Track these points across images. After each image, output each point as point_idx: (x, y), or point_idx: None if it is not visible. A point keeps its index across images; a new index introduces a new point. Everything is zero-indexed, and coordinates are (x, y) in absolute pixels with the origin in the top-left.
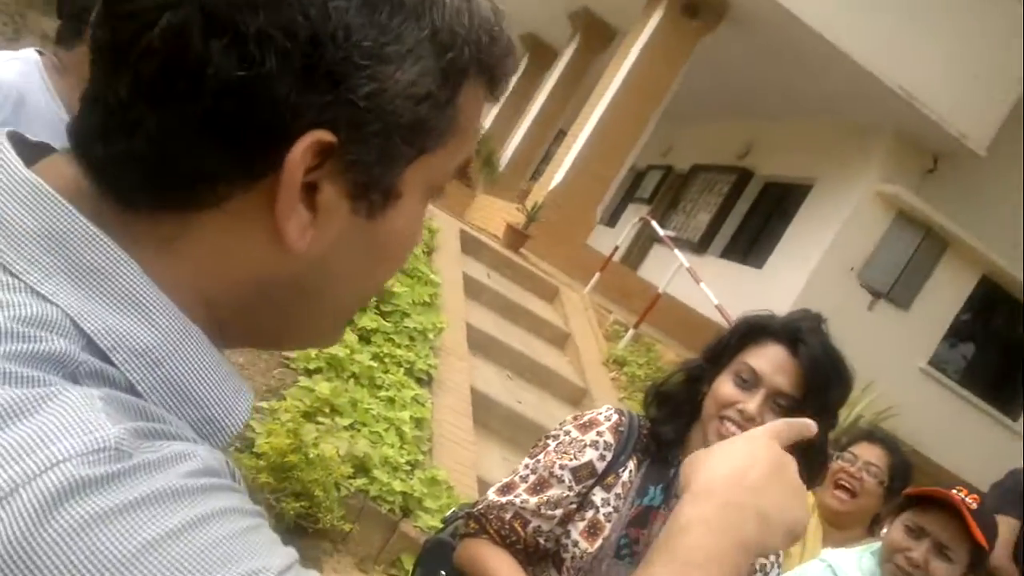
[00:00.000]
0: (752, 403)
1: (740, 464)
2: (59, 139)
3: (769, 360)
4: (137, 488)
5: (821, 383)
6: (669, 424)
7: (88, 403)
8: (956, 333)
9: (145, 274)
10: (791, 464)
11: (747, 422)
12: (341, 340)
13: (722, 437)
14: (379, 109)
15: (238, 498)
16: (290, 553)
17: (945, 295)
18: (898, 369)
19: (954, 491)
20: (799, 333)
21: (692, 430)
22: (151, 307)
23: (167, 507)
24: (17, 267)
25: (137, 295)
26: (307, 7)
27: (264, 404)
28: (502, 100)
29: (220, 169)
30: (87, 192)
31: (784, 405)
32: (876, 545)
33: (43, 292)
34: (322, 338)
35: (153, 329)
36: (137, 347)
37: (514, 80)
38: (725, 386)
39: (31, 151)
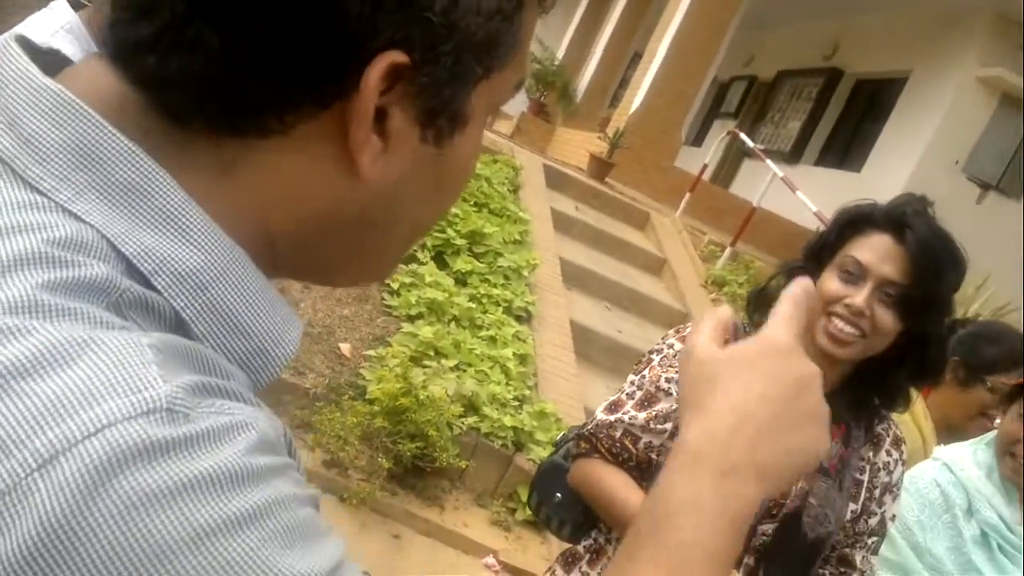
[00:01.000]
0: (860, 296)
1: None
2: None
3: (874, 250)
4: (195, 463)
5: (931, 268)
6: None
7: (137, 352)
8: None
9: (184, 191)
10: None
11: (856, 317)
12: (392, 273)
13: (831, 336)
14: (453, 26)
15: (295, 480)
16: (338, 545)
17: None
18: (1014, 263)
19: None
20: (904, 218)
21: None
22: (193, 227)
23: (227, 490)
24: (45, 184)
25: (178, 214)
26: None
27: (371, 352)
28: (573, 28)
29: (288, 94)
30: (132, 105)
31: (893, 295)
32: (990, 436)
33: (75, 211)
34: (376, 273)
35: (197, 250)
36: (181, 270)
37: (583, 5)
38: (830, 282)
39: (44, 58)
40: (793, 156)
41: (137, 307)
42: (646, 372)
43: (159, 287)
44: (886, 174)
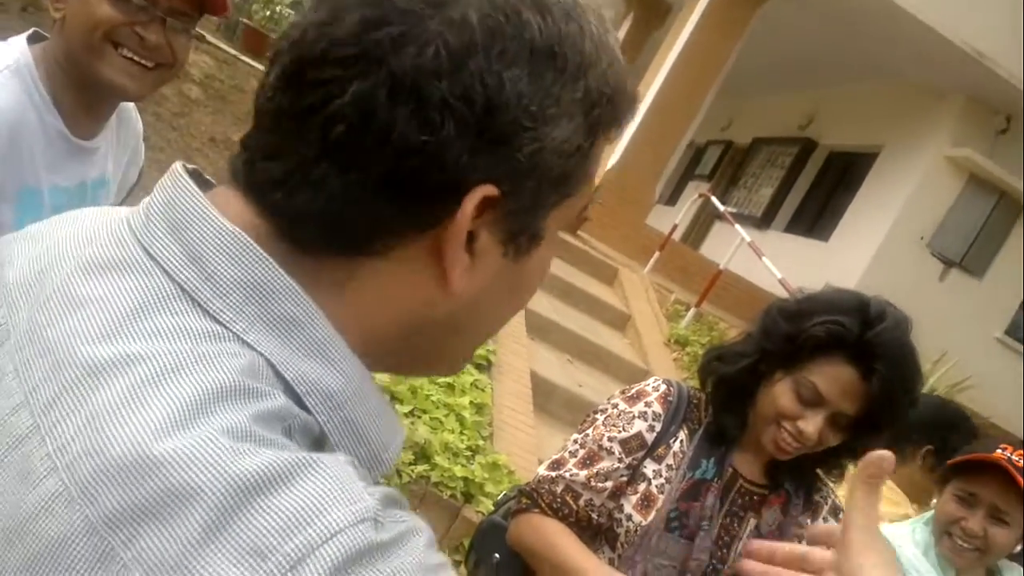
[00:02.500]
0: (812, 425)
1: None
2: (57, 156)
3: (837, 383)
4: (399, 559)
5: (889, 408)
6: (730, 412)
7: (345, 471)
8: None
9: (330, 323)
10: None
11: (803, 441)
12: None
13: (777, 446)
14: (537, 165)
15: (450, 567)
16: None
17: (1020, 261)
18: (973, 340)
19: (999, 451)
20: (874, 357)
21: (751, 407)
22: (337, 355)
23: None
24: (225, 316)
25: (325, 343)
26: (485, 76)
27: None
28: None
29: (394, 223)
30: (264, 234)
31: (843, 424)
32: (928, 515)
33: (249, 340)
34: (455, 367)
35: (339, 375)
36: (326, 391)
37: None
38: (785, 397)
39: (197, 182)
40: (764, 222)
41: (303, 432)
42: (590, 431)
43: (309, 405)
44: (853, 245)
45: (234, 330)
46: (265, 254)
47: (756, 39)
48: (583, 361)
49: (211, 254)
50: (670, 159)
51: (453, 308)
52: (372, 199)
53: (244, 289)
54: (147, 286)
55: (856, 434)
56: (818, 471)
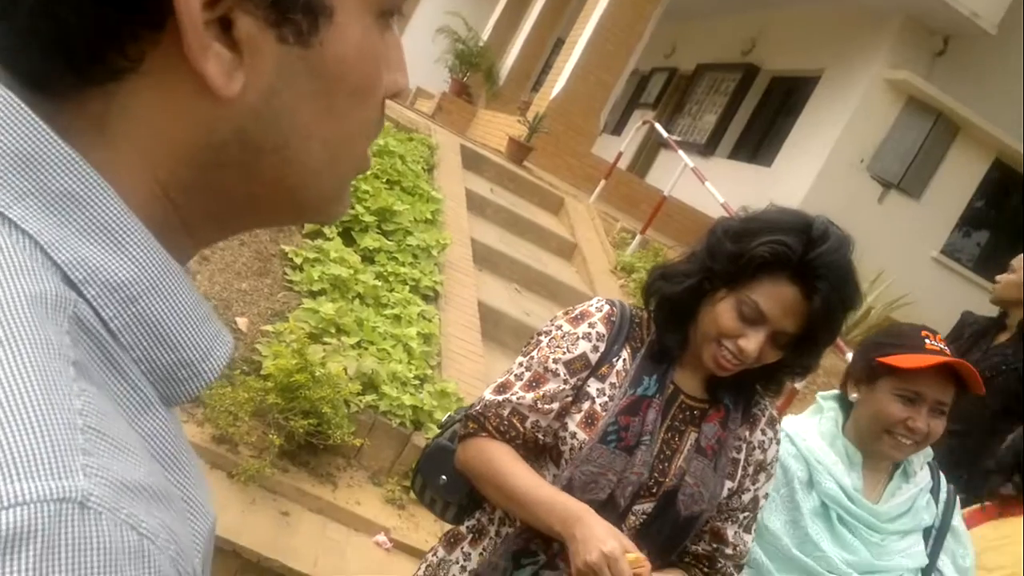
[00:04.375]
0: (753, 342)
1: None
2: None
3: (779, 302)
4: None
5: (828, 325)
6: (673, 331)
7: (63, 410)
8: (969, 220)
9: (122, 201)
10: None
11: (743, 359)
12: (346, 211)
13: (717, 363)
14: None
15: None
16: None
17: (957, 182)
18: (910, 259)
19: (927, 342)
20: (816, 277)
21: (692, 326)
22: (128, 238)
23: None
24: None
25: (113, 224)
26: None
27: (269, 327)
28: (499, 10)
29: (115, 23)
30: (13, 88)
31: (783, 342)
32: (828, 403)
33: (12, 216)
34: (322, 203)
35: (130, 262)
36: (112, 281)
37: None
38: (728, 315)
39: None
40: (708, 148)
41: (81, 326)
42: (535, 353)
43: (88, 296)
44: (795, 170)
45: None
46: (37, 119)
47: None
48: (530, 290)
49: None
50: (614, 87)
51: (240, 123)
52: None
53: (11, 159)
54: None
55: (795, 351)
56: (756, 386)
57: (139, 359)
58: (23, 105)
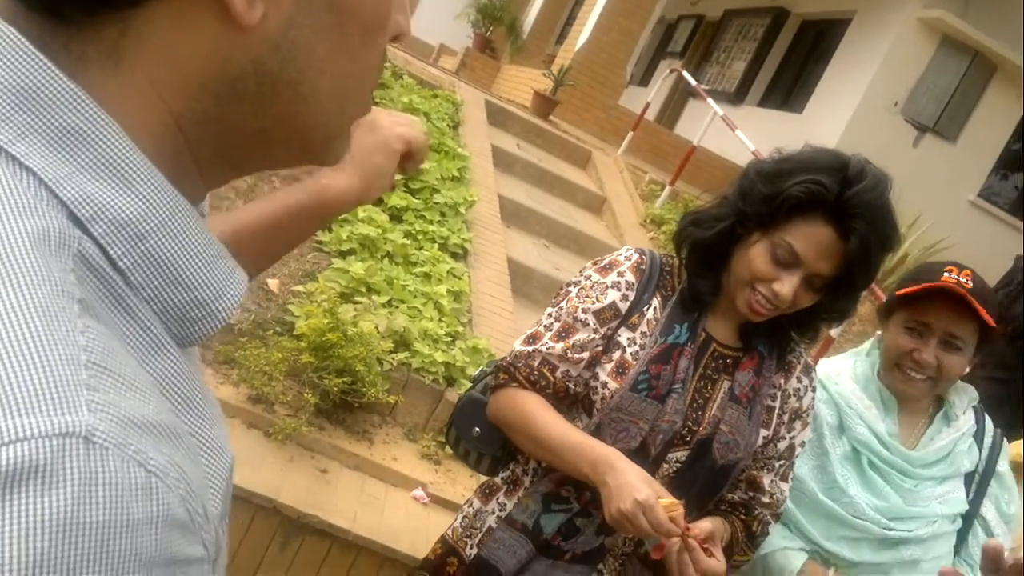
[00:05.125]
0: (787, 286)
1: None
2: None
3: (814, 244)
4: (93, 512)
5: (866, 266)
6: (704, 277)
7: (67, 345)
8: (1006, 163)
9: (128, 137)
10: None
11: (778, 303)
12: (345, 153)
13: (751, 308)
14: None
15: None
16: None
17: (994, 123)
18: (947, 203)
19: (945, 275)
20: (852, 216)
21: (725, 272)
22: (136, 175)
23: (106, 561)
24: None
25: (120, 161)
26: None
27: (300, 287)
28: None
29: None
30: (23, 16)
31: (819, 286)
32: (867, 347)
33: (14, 152)
34: (327, 143)
35: (138, 199)
36: (119, 218)
37: None
38: (761, 259)
39: None
40: (737, 96)
41: (86, 263)
42: (564, 304)
43: (95, 234)
44: (827, 116)
45: None
46: (39, 54)
47: None
48: (559, 245)
49: None
50: (640, 37)
51: (258, 54)
52: None
53: (14, 94)
54: None
55: (831, 294)
56: (791, 332)
57: (150, 298)
58: (23, 39)
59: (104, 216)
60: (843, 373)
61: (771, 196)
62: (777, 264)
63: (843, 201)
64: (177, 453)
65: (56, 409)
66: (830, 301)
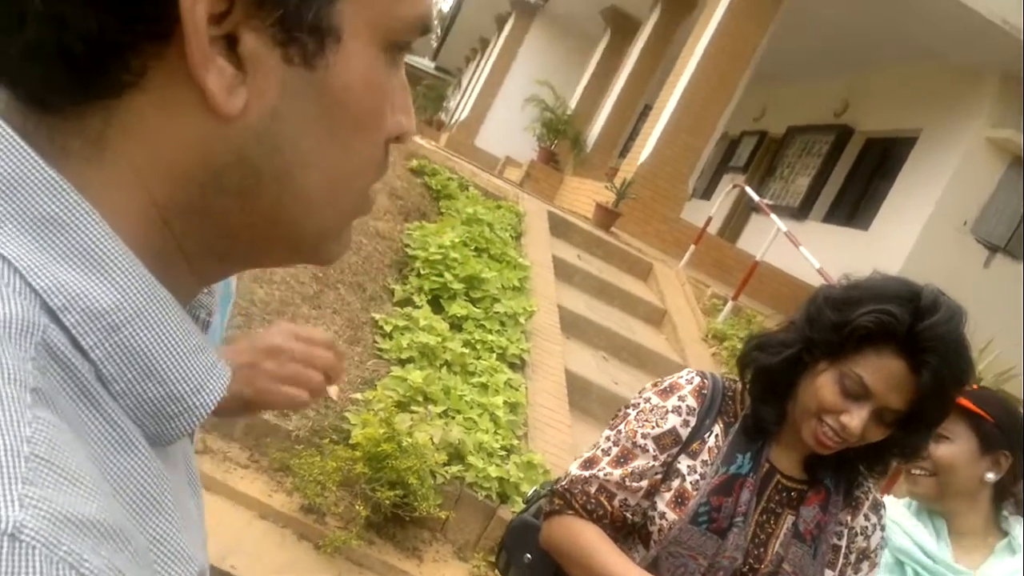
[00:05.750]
0: (856, 419)
1: None
2: None
3: (885, 377)
4: None
5: (939, 404)
6: (769, 405)
7: (9, 436)
8: None
9: (107, 225)
10: None
11: (846, 436)
12: (345, 252)
13: (818, 440)
14: None
15: None
16: None
17: None
18: (1019, 327)
19: None
20: (925, 351)
21: (790, 401)
22: (113, 264)
23: None
24: None
25: (98, 250)
26: None
27: (358, 395)
28: (586, 78)
29: (120, 34)
30: (14, 112)
31: (889, 420)
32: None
33: None
34: (320, 240)
35: (114, 288)
36: (93, 307)
37: (597, 57)
38: (829, 389)
39: None
40: (801, 212)
41: (51, 353)
42: (622, 427)
43: (67, 324)
44: (894, 233)
45: None
46: (20, 142)
47: (788, 24)
48: (619, 358)
49: None
50: (703, 151)
51: (241, 144)
52: (85, 11)
53: None
54: None
55: (903, 430)
56: (860, 466)
57: (122, 392)
58: (7, 129)
59: (77, 305)
60: (898, 509)
61: (840, 325)
62: (846, 396)
63: (915, 334)
64: (120, 557)
65: None
66: (901, 436)
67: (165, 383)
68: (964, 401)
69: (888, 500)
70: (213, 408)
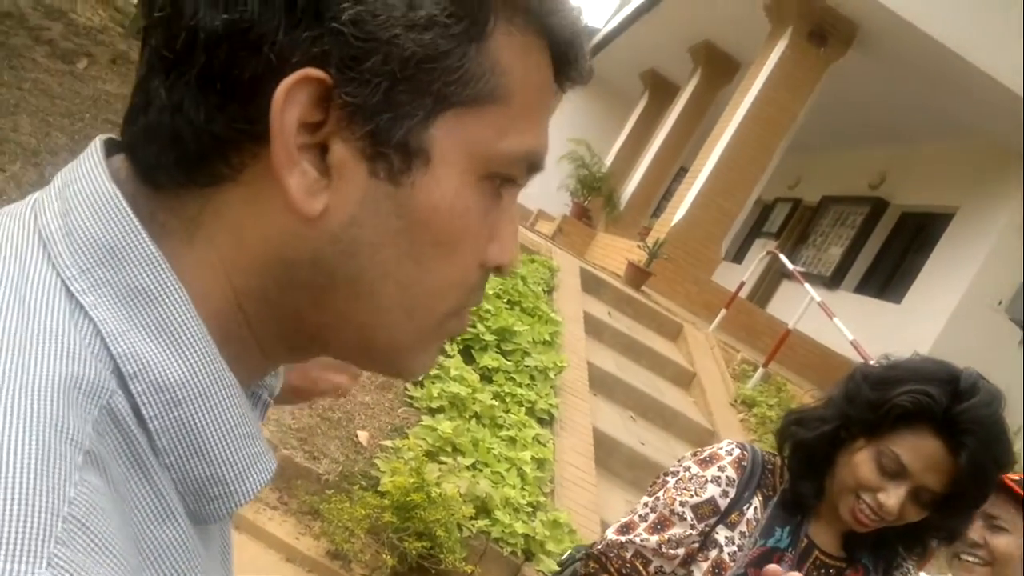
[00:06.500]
0: (893, 498)
1: None
2: None
3: (923, 457)
4: None
5: (978, 487)
6: (808, 480)
7: (52, 494)
8: None
9: (193, 306)
10: None
11: (883, 514)
12: (427, 369)
13: (855, 518)
14: (371, 37)
15: None
16: None
17: None
18: None
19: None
20: (963, 432)
21: (829, 477)
22: (189, 341)
23: None
24: (67, 273)
25: (177, 326)
26: None
27: (388, 443)
28: (623, 137)
29: (225, 131)
30: (130, 186)
31: (927, 500)
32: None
33: (84, 302)
34: (395, 352)
35: (184, 364)
36: (161, 380)
37: (634, 118)
38: (866, 466)
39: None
40: (833, 281)
41: (113, 417)
42: (660, 494)
43: (134, 391)
44: (927, 308)
45: (71, 288)
46: (132, 215)
47: (826, 95)
48: (646, 419)
49: (79, 208)
50: (737, 216)
51: (317, 245)
52: (196, 104)
53: (100, 250)
54: (14, 233)
55: (941, 511)
56: (899, 547)
57: (171, 465)
58: (123, 202)
59: (147, 375)
60: None
61: (878, 403)
62: (883, 474)
63: (953, 415)
64: None
65: (15, 556)
66: (940, 518)
67: (212, 464)
68: (1020, 490)
69: None
70: (253, 497)
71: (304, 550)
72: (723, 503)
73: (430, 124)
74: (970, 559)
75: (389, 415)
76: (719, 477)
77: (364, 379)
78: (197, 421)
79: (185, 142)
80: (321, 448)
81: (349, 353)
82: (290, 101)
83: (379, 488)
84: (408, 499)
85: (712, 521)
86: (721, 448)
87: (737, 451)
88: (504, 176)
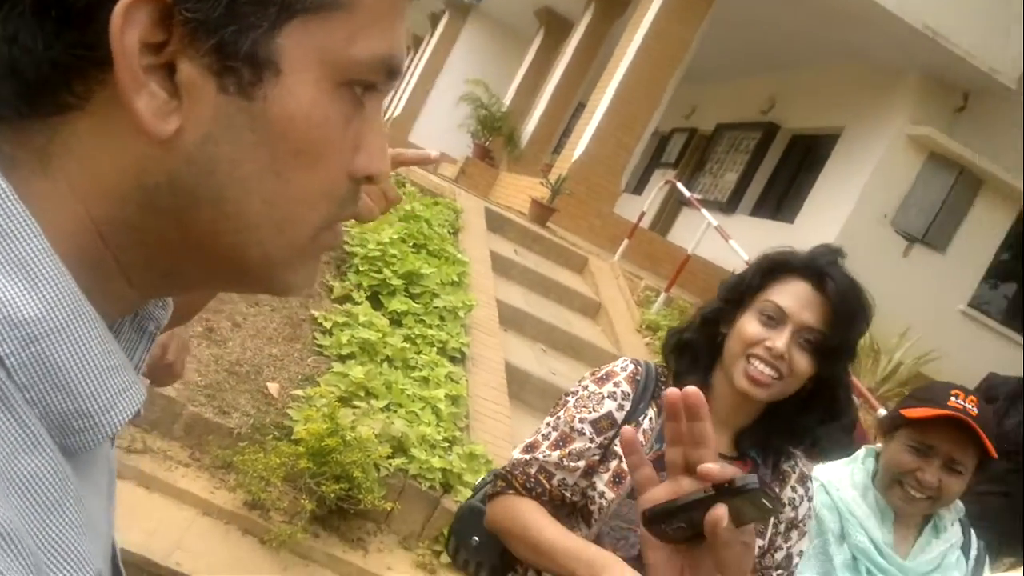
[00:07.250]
0: (780, 340)
1: None
2: None
3: (795, 296)
4: None
5: (847, 316)
6: (692, 375)
7: None
8: (996, 273)
9: (46, 240)
10: None
11: (776, 360)
12: (308, 284)
13: (751, 378)
14: None
15: None
16: None
17: (982, 235)
18: (937, 313)
19: (952, 399)
20: (824, 268)
21: (714, 375)
22: (43, 276)
23: None
24: None
25: (31, 261)
26: None
27: (300, 392)
28: (520, 76)
29: (65, 58)
30: None
31: (811, 340)
32: (863, 454)
33: None
34: (268, 269)
35: (39, 300)
36: (15, 317)
37: (531, 56)
38: (751, 324)
39: None
40: (730, 205)
41: None
42: (561, 413)
43: None
44: (818, 226)
45: None
46: None
47: (717, 25)
48: (556, 350)
49: None
50: (635, 148)
51: (173, 167)
52: (34, 34)
53: None
54: None
55: (821, 357)
56: (786, 440)
57: (34, 400)
58: None
59: (0, 312)
60: (843, 480)
61: (744, 274)
62: (765, 325)
63: (814, 262)
64: (5, 559)
65: None
66: (819, 391)
67: (75, 398)
68: (986, 441)
69: (833, 475)
70: (121, 428)
71: (221, 503)
72: (619, 416)
73: (276, 34)
74: (917, 494)
75: (299, 365)
76: (615, 392)
77: (271, 331)
78: (56, 357)
79: (23, 72)
80: (231, 403)
81: (225, 277)
82: (129, 22)
83: (293, 437)
84: (323, 444)
85: (610, 434)
86: (616, 365)
87: (631, 367)
88: (362, 83)
